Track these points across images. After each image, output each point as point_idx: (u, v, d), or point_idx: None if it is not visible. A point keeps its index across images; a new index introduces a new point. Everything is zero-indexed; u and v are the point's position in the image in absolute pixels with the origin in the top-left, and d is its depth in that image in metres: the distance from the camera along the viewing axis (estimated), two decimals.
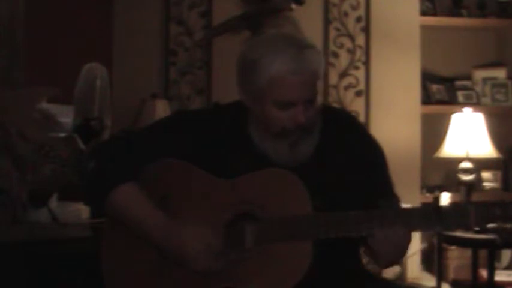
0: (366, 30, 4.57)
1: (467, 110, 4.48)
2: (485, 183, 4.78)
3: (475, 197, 4.27)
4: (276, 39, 1.84)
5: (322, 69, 1.85)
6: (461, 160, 4.39)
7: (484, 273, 3.95)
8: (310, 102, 1.82)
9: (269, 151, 1.86)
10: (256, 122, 1.88)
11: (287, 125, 1.81)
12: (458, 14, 4.80)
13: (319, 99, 1.91)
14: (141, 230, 1.85)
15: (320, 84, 1.86)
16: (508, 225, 1.71)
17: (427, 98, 4.73)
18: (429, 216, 1.73)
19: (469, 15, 4.82)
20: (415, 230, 1.79)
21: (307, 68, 1.79)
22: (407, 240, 1.76)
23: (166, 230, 1.81)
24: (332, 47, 4.55)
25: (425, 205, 1.80)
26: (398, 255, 1.81)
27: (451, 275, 4.44)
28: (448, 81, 4.86)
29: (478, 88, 4.84)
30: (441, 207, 1.74)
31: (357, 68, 4.57)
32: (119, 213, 1.87)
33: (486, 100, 4.82)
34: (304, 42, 1.83)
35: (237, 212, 1.83)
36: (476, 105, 4.69)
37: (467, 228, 1.76)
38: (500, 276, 4.14)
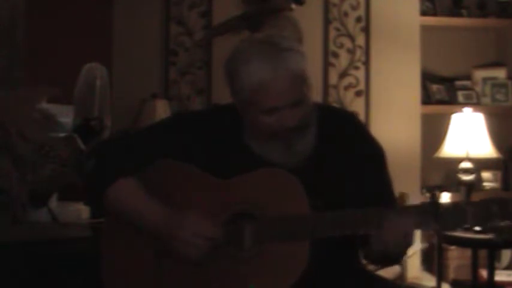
0: (366, 30, 4.57)
1: (467, 110, 4.48)
2: (485, 183, 4.77)
3: (475, 197, 4.26)
4: (250, 47, 1.81)
5: (304, 68, 1.80)
6: (461, 160, 4.39)
7: (484, 273, 3.95)
8: (297, 104, 1.79)
9: (267, 153, 1.85)
10: (250, 127, 1.89)
11: (276, 129, 1.80)
12: (458, 14, 4.80)
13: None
14: (141, 221, 1.85)
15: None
16: (506, 223, 1.70)
17: (427, 98, 4.73)
18: (426, 214, 1.73)
19: (469, 15, 4.82)
20: (413, 228, 1.78)
21: (285, 72, 1.76)
22: (406, 240, 1.75)
23: (166, 221, 1.81)
24: (332, 47, 4.54)
25: (422, 203, 1.79)
26: (396, 254, 1.80)
27: (451, 275, 4.43)
28: (448, 81, 4.86)
29: (478, 88, 4.84)
30: (438, 205, 1.74)
31: (357, 68, 4.57)
32: (118, 207, 1.88)
33: (486, 100, 4.82)
34: (282, 44, 1.79)
35: (235, 212, 1.83)
36: (476, 105, 4.69)
37: (465, 225, 1.75)
38: (500, 276, 4.14)
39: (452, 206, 1.74)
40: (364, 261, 1.99)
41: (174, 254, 1.83)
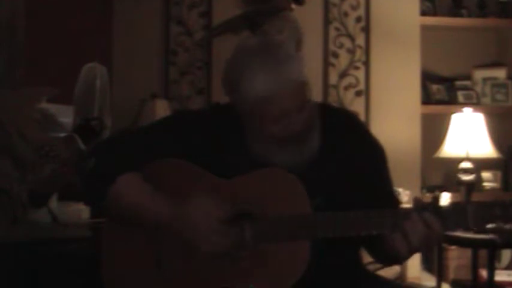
0: (366, 30, 4.57)
1: (467, 110, 4.48)
2: (485, 183, 4.77)
3: (475, 197, 4.27)
4: (249, 61, 1.79)
5: (304, 73, 1.80)
6: (461, 160, 4.39)
7: (484, 273, 3.95)
8: (301, 109, 1.80)
9: (271, 154, 1.84)
10: (253, 133, 1.87)
11: (283, 136, 1.80)
12: (458, 14, 4.80)
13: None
14: (145, 215, 1.83)
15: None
16: (508, 226, 1.71)
17: (427, 98, 4.73)
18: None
19: (469, 15, 4.82)
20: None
21: (287, 83, 1.76)
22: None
23: (173, 211, 1.80)
24: (332, 47, 4.55)
25: (424, 205, 1.80)
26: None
27: (451, 275, 4.44)
28: (448, 81, 4.86)
29: (478, 88, 4.84)
30: (440, 208, 1.74)
31: (357, 68, 4.57)
32: (121, 205, 1.85)
33: (486, 100, 4.82)
34: (280, 55, 1.79)
35: (235, 212, 1.83)
36: (476, 105, 4.69)
37: (466, 229, 1.76)
38: (500, 276, 4.14)
39: (454, 208, 1.74)
40: (369, 260, 2.00)
41: (186, 247, 1.81)
